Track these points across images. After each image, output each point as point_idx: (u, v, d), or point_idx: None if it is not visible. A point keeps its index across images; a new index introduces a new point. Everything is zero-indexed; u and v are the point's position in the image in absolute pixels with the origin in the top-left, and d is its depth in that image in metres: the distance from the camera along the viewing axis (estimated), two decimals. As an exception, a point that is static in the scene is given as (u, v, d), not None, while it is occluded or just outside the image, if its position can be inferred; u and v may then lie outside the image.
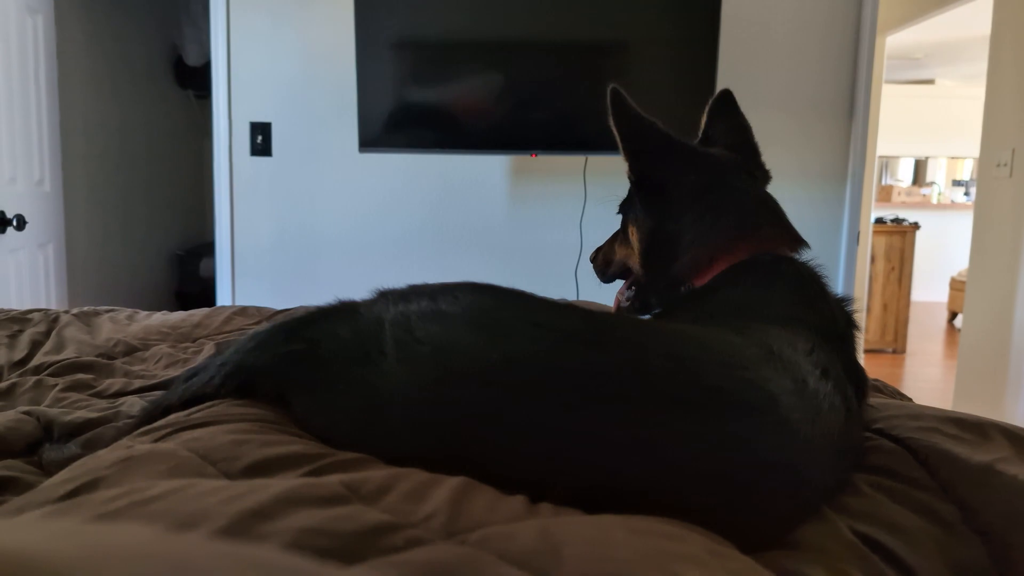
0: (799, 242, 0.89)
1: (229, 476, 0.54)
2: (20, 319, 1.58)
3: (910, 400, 1.08)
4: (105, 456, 0.58)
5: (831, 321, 0.77)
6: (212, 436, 0.60)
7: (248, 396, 0.73)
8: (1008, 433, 0.75)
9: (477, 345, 0.60)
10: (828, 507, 0.64)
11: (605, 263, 1.08)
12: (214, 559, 0.27)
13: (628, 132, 0.92)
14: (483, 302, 0.66)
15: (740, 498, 0.57)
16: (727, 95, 1.02)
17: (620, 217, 1.03)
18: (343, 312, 0.73)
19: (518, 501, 0.53)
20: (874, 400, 0.94)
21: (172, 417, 0.69)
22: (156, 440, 0.63)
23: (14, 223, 2.50)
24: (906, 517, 0.64)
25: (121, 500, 0.46)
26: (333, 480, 0.49)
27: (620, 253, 1.04)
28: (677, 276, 0.89)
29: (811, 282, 0.83)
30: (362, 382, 0.63)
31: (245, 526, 0.43)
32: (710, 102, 1.02)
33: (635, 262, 0.98)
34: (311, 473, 0.54)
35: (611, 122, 0.92)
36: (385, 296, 0.72)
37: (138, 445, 0.61)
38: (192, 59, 4.30)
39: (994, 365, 2.90)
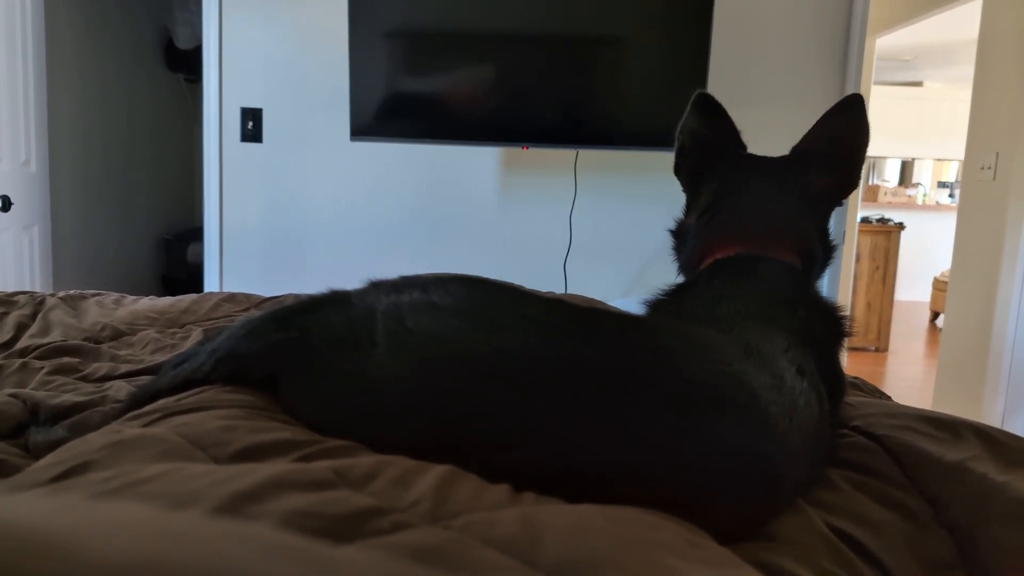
0: (804, 250, 0.90)
1: (218, 461, 0.55)
2: (5, 301, 1.58)
3: (889, 398, 1.10)
4: (94, 440, 0.59)
5: (806, 322, 0.79)
6: (202, 422, 0.60)
7: (238, 383, 0.73)
8: (979, 432, 0.77)
9: (467, 337, 0.61)
10: (804, 501, 0.66)
11: None
12: (212, 533, 0.27)
13: (692, 141, 0.99)
14: (474, 295, 0.67)
15: (721, 489, 0.58)
16: (854, 100, 0.94)
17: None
18: (335, 301, 0.74)
19: (502, 489, 0.54)
20: (853, 398, 0.96)
21: (161, 402, 0.69)
22: (146, 425, 0.63)
23: (0, 204, 2.48)
24: (879, 512, 0.65)
25: (113, 482, 0.47)
26: (322, 466, 0.50)
27: None
28: (683, 266, 0.96)
29: (790, 283, 0.85)
30: (352, 371, 0.63)
31: (236, 507, 0.43)
32: (836, 103, 0.95)
33: None
34: (300, 460, 0.55)
35: (683, 124, 0.99)
36: (377, 286, 0.73)
37: (127, 429, 0.61)
38: (183, 42, 4.26)
39: (974, 364, 2.94)
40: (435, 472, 0.53)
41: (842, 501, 0.67)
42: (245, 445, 0.57)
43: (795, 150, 0.97)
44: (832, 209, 0.97)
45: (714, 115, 0.99)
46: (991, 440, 0.75)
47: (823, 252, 0.94)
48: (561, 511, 0.50)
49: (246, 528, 0.32)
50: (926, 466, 0.70)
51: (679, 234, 1.01)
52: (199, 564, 0.24)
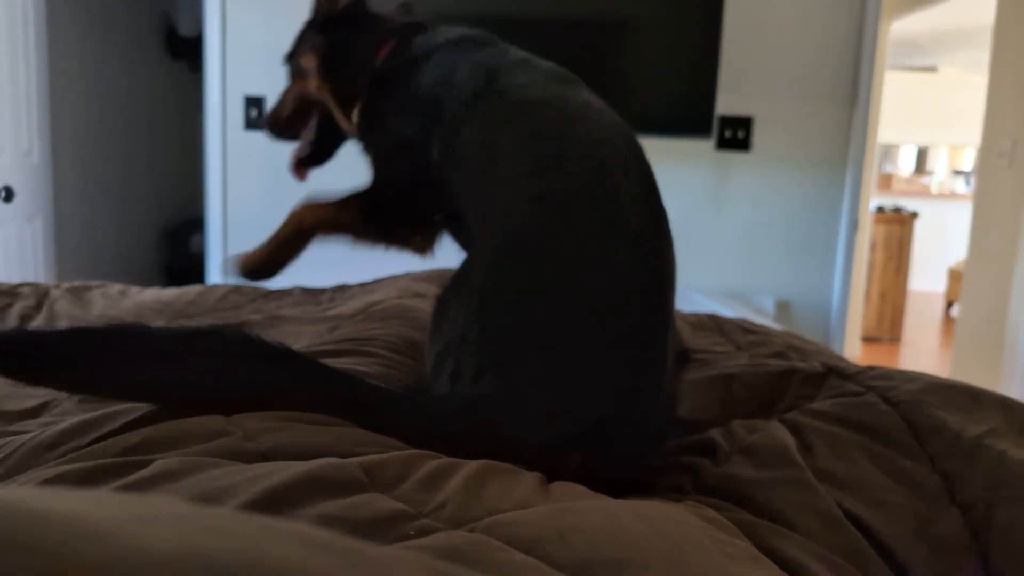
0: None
1: None
2: (9, 293, 1.56)
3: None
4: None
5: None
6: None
7: None
8: (1002, 404, 0.75)
9: None
10: (817, 477, 0.65)
11: (278, 114, 1.24)
12: (249, 527, 0.28)
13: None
14: None
15: None
16: None
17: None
18: None
19: (531, 483, 0.56)
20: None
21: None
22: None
23: (2, 195, 2.46)
24: (890, 491, 0.64)
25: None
26: (354, 463, 0.53)
27: (293, 91, 1.21)
28: (362, 58, 1.08)
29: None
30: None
31: (268, 507, 0.46)
32: None
33: (313, 83, 1.16)
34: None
35: None
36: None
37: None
38: (185, 30, 4.23)
39: (989, 355, 2.91)
40: (466, 470, 0.55)
41: (855, 475, 0.66)
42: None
43: None
44: None
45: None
46: (1014, 412, 0.73)
47: None
48: (587, 508, 0.52)
49: (282, 523, 0.33)
50: (942, 440, 0.68)
51: (335, 47, 1.15)
52: (240, 555, 0.24)
